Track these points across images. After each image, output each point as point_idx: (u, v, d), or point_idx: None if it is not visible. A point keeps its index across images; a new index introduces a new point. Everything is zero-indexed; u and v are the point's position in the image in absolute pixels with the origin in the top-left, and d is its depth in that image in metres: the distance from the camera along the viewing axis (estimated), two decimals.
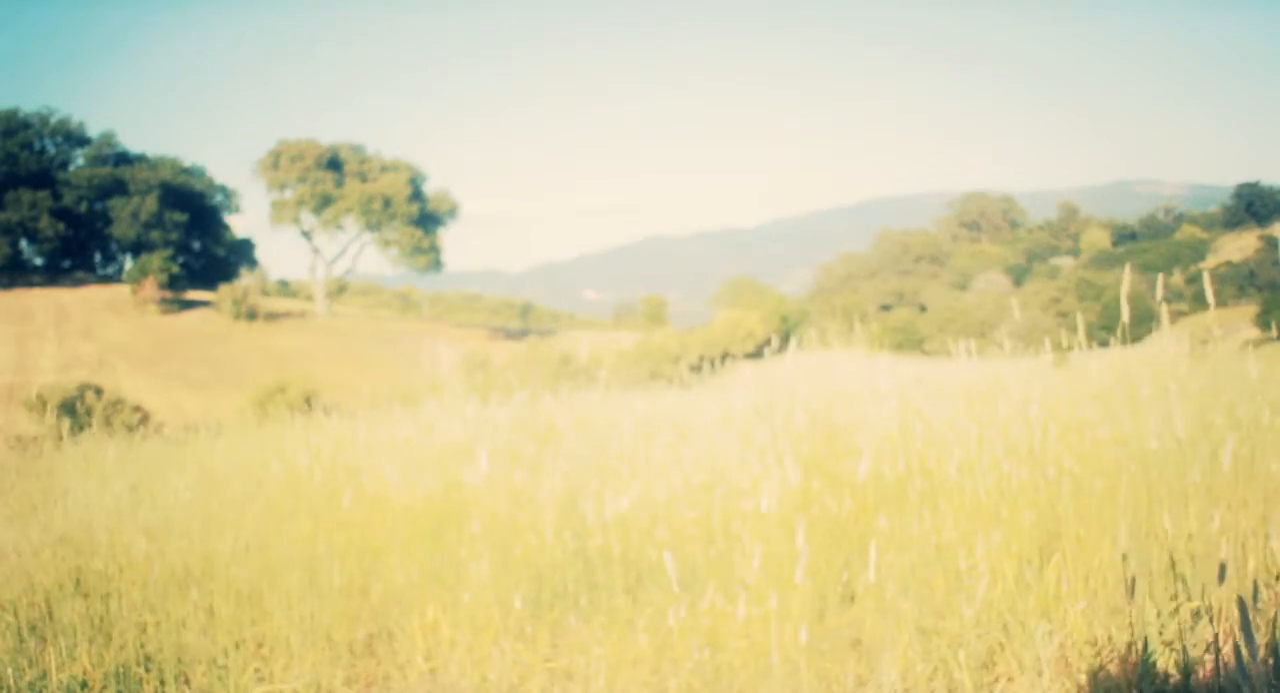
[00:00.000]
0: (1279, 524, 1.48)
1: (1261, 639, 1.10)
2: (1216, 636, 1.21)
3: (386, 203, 27.60)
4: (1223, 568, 0.93)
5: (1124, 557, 1.41)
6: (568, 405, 3.77)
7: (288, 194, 28.01)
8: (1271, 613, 1.40)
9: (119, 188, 27.81)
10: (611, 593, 1.75)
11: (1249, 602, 0.88)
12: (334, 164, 28.19)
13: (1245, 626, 0.72)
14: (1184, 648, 1.26)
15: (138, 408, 11.40)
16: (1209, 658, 1.28)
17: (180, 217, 28.45)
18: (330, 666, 1.66)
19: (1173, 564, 1.41)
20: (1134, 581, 1.23)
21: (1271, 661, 1.03)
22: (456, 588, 1.80)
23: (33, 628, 1.80)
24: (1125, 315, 1.68)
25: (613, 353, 15.60)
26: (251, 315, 24.21)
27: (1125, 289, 1.74)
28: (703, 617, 1.60)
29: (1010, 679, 1.49)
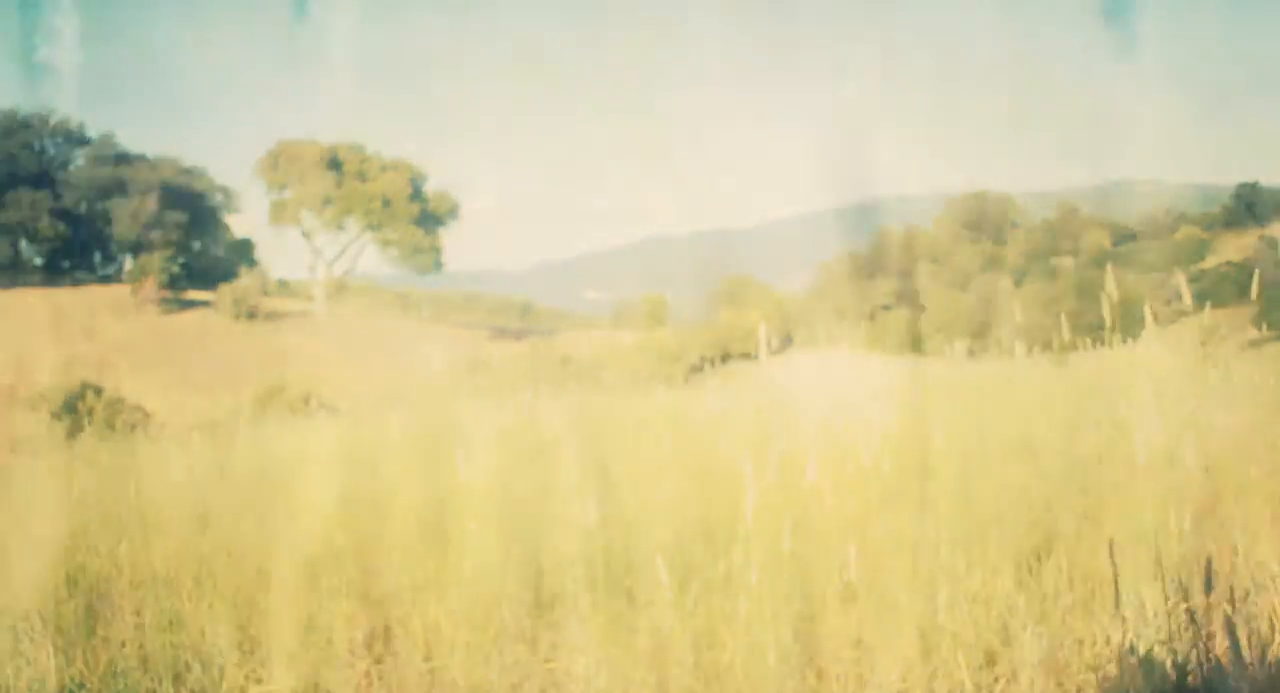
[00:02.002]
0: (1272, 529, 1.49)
1: (1255, 638, 1.11)
2: (1205, 637, 1.21)
3: (386, 203, 27.56)
4: (1209, 578, 0.94)
5: (1119, 556, 1.41)
6: (569, 406, 3.77)
7: (287, 194, 27.99)
8: (1264, 613, 1.41)
9: (119, 188, 27.78)
10: (611, 594, 1.76)
11: (1239, 605, 0.89)
12: (334, 164, 28.16)
13: (1232, 638, 0.72)
14: (1178, 649, 1.26)
15: (138, 408, 11.39)
16: (1204, 657, 1.28)
17: (180, 217, 28.41)
18: (329, 666, 1.66)
19: (1160, 567, 1.42)
20: (1115, 582, 1.24)
21: (1260, 664, 1.04)
22: (457, 588, 1.80)
23: (29, 628, 1.80)
24: (1109, 316, 1.69)
25: (614, 353, 15.60)
26: (251, 315, 24.19)
27: (1110, 290, 1.75)
28: (702, 617, 1.60)
29: (1010, 680, 1.49)
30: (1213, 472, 1.87)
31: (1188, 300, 1.79)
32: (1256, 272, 1.65)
